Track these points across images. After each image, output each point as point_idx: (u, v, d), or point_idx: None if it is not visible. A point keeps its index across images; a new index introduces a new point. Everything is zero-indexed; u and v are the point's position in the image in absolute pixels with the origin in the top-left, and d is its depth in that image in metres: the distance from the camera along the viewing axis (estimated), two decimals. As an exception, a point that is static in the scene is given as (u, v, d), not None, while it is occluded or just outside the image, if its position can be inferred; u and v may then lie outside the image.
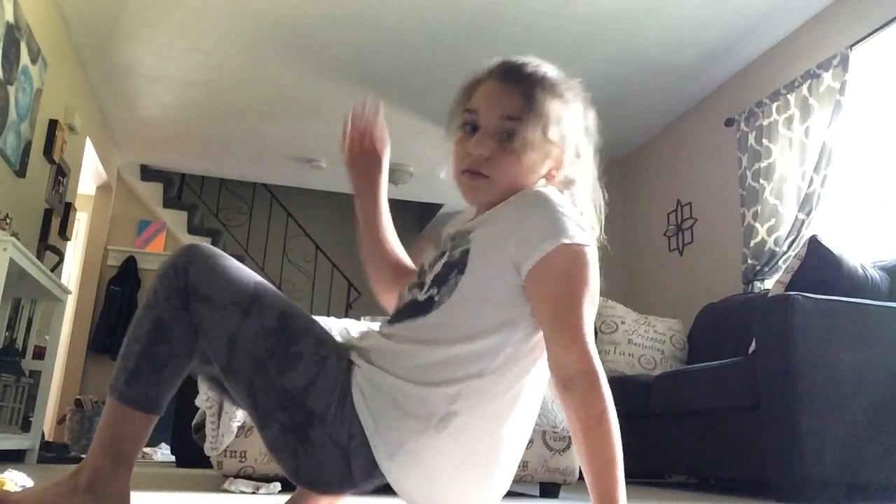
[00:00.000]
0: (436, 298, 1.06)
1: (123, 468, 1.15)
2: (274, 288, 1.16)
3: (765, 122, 3.90)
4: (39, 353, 3.70)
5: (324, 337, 1.11)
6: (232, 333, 1.08)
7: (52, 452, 3.84)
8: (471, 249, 1.07)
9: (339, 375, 1.07)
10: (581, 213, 1.13)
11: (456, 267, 1.07)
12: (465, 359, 1.03)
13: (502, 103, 1.11)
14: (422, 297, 1.09)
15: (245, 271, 1.15)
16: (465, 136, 1.14)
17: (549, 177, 1.16)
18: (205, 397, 2.13)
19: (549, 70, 1.16)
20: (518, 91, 1.11)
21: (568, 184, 1.18)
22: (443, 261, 1.10)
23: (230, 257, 1.18)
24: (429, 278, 1.11)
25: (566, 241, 1.01)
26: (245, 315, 1.09)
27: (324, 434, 1.04)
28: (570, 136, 1.14)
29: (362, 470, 1.04)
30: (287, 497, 1.83)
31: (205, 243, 1.18)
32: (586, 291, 1.01)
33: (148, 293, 1.15)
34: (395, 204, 6.63)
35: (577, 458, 1.80)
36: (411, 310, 1.10)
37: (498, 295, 1.05)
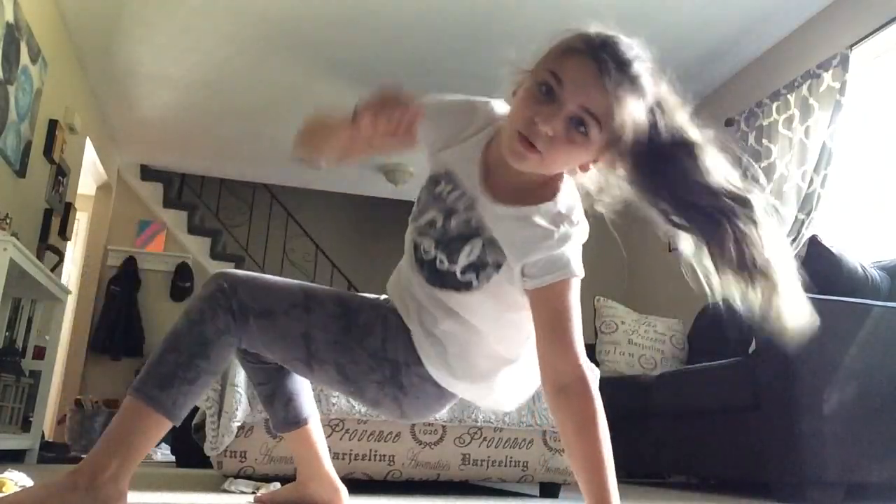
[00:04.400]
0: (474, 284, 1.23)
1: (126, 470, 1.16)
2: (311, 283, 1.36)
3: (765, 122, 3.89)
4: (39, 353, 3.70)
5: (373, 301, 1.35)
6: (304, 331, 1.26)
7: (52, 452, 3.83)
8: (504, 262, 1.20)
9: (399, 325, 1.30)
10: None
11: (489, 266, 1.21)
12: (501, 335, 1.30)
13: (589, 94, 1.06)
14: (461, 277, 1.24)
15: (282, 280, 1.33)
16: (537, 96, 1.08)
17: (583, 168, 1.16)
18: (204, 397, 2.13)
19: (643, 67, 1.10)
20: (610, 88, 1.05)
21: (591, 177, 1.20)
22: (468, 249, 1.22)
23: (260, 274, 1.34)
24: (460, 259, 1.23)
25: (573, 276, 1.15)
26: (308, 311, 1.27)
27: (411, 374, 1.29)
28: (629, 143, 1.10)
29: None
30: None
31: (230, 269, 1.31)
32: (576, 311, 1.16)
33: (190, 312, 1.24)
34: (395, 203, 6.63)
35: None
36: (451, 282, 1.25)
37: (517, 288, 1.20)
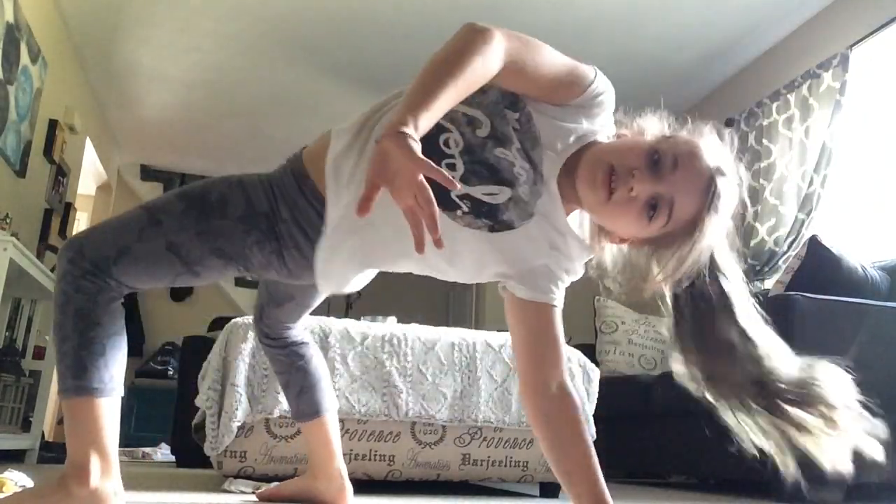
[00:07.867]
0: (469, 222, 1.15)
1: (108, 462, 1.16)
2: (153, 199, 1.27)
3: (765, 122, 3.90)
4: (39, 353, 3.70)
5: (221, 178, 1.26)
6: (166, 245, 1.18)
7: (52, 452, 3.83)
8: (516, 225, 1.16)
9: (257, 181, 1.23)
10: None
11: (498, 223, 1.15)
12: None
13: (688, 197, 1.09)
14: (459, 201, 1.13)
15: (124, 213, 1.24)
16: (647, 156, 1.08)
17: (620, 240, 1.19)
18: (205, 397, 2.13)
19: (733, 206, 1.17)
20: (705, 213, 1.09)
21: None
22: (494, 190, 1.13)
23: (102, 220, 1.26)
24: (474, 188, 1.13)
25: (560, 305, 1.21)
26: (158, 224, 1.18)
27: (279, 221, 1.21)
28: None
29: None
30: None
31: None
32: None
33: (57, 299, 1.18)
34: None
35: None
36: (443, 198, 1.08)
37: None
